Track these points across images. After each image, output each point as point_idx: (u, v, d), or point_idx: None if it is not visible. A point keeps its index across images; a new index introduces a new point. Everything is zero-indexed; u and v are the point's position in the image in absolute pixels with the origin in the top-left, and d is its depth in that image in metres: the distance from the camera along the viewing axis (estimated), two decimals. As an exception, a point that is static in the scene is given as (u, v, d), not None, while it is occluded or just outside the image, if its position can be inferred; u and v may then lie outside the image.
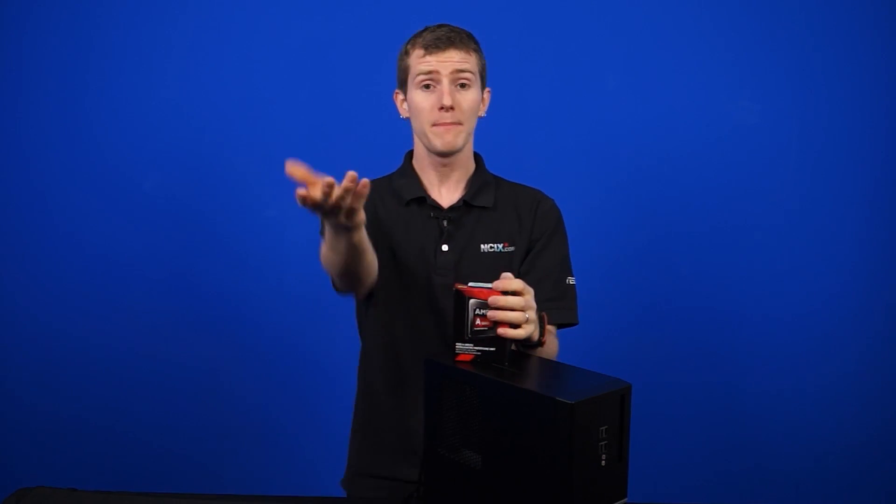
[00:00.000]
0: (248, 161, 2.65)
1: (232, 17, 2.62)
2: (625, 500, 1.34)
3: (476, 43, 1.76)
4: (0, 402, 2.71)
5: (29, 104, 2.64)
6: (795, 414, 2.66)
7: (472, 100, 1.74)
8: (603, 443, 1.29)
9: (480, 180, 1.81)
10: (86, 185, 2.65)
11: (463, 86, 1.72)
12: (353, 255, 1.55)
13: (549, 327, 1.72)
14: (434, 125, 1.72)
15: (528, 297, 1.46)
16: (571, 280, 1.81)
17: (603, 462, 1.30)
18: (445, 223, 1.77)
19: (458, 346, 1.43)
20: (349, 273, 1.63)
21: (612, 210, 2.64)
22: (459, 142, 1.74)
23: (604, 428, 1.29)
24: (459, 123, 1.72)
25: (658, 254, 2.64)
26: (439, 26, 1.74)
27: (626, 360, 2.57)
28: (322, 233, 1.57)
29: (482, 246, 1.77)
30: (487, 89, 1.81)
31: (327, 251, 1.57)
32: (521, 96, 2.60)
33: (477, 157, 1.85)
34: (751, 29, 2.58)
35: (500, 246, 1.77)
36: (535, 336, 1.52)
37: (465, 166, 1.82)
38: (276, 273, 2.67)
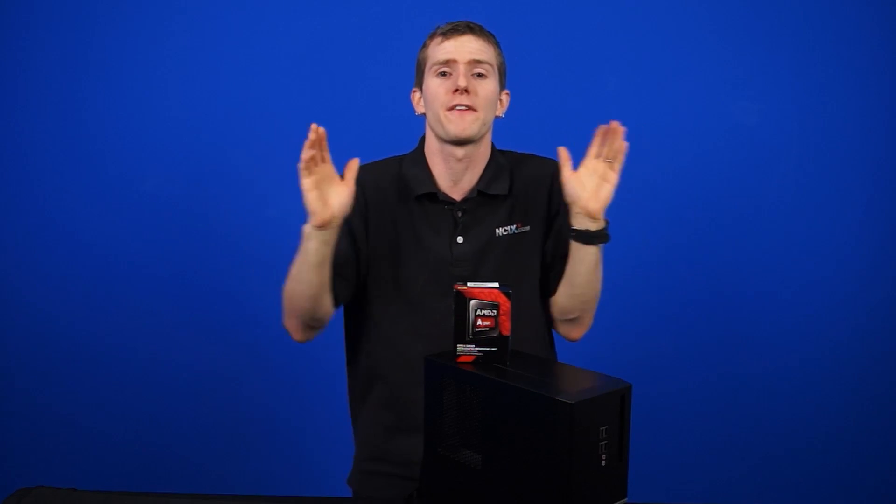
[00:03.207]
0: (247, 161, 2.64)
1: (231, 16, 2.62)
2: (625, 500, 1.34)
3: (496, 41, 1.72)
4: (0, 402, 2.72)
5: (28, 105, 2.63)
6: (796, 414, 2.66)
7: (490, 90, 1.68)
8: (603, 443, 1.29)
9: (494, 166, 1.74)
10: (85, 185, 2.65)
11: (480, 76, 1.67)
12: (320, 274, 1.64)
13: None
14: (449, 109, 1.65)
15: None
16: None
17: (603, 462, 1.30)
18: (460, 214, 1.71)
19: (460, 347, 1.43)
20: (314, 304, 1.69)
21: (610, 210, 2.63)
22: (474, 129, 1.66)
23: (604, 428, 1.29)
24: (475, 109, 1.65)
25: (657, 254, 2.64)
26: (459, 21, 1.70)
27: (626, 360, 2.57)
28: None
29: (497, 230, 1.72)
30: (506, 91, 1.75)
31: (293, 285, 1.68)
32: (519, 97, 2.59)
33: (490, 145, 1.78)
34: (751, 29, 2.58)
35: (514, 227, 1.73)
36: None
37: (481, 163, 1.73)
38: (276, 273, 2.65)
